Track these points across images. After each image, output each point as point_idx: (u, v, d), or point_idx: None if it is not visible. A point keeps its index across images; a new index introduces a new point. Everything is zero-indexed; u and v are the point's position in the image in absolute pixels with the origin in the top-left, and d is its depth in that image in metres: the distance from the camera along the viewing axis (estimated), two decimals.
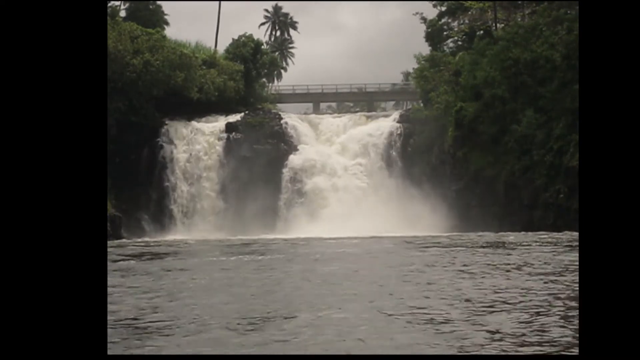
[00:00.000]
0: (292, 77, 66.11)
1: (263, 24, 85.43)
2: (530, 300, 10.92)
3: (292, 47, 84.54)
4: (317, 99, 71.98)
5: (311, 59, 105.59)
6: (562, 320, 9.01)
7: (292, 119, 52.53)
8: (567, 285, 12.55)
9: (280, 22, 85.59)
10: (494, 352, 7.34)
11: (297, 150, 48.71)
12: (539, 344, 7.65)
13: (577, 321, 8.19)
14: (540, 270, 15.65)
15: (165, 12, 61.28)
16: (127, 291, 12.98)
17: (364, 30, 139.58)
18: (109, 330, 8.21)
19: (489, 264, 17.40)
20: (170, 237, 42.71)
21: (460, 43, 60.03)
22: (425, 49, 57.82)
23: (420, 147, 48.16)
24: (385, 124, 50.32)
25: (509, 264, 17.26)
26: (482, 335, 8.14)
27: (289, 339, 8.15)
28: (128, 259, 21.44)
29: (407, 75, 72.66)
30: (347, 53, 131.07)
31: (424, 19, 60.34)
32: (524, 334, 8.17)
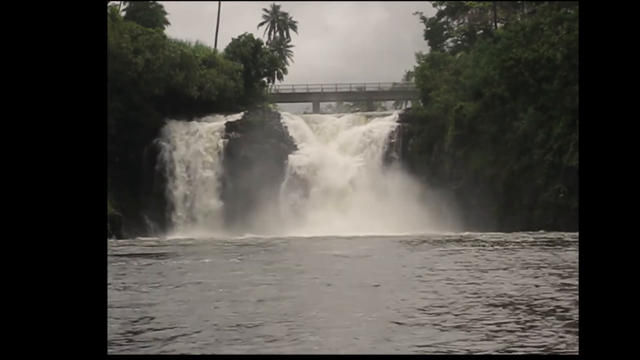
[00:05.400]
0: (289, 76, 66.42)
1: (262, 23, 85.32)
2: (530, 299, 10.93)
3: (290, 47, 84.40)
4: (316, 99, 71.93)
5: (301, 59, 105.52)
6: (562, 320, 9.01)
7: (292, 118, 52.54)
8: (567, 285, 12.55)
9: (280, 21, 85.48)
10: (493, 352, 7.34)
11: (296, 149, 48.70)
12: (539, 343, 7.65)
13: (577, 321, 8.19)
14: (539, 269, 15.66)
15: (164, 12, 61.27)
16: (127, 291, 12.99)
17: (352, 31, 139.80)
18: (109, 330, 8.22)
19: (487, 264, 17.41)
20: (170, 236, 42.72)
21: (460, 42, 60.07)
22: (414, 50, 58.05)
23: (420, 147, 48.15)
24: (385, 124, 50.30)
25: (508, 263, 17.26)
26: (480, 335, 8.13)
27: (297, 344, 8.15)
28: (128, 259, 21.43)
29: (407, 74, 72.62)
30: (336, 54, 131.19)
31: (423, 19, 60.38)
32: (523, 334, 8.17)
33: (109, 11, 46.21)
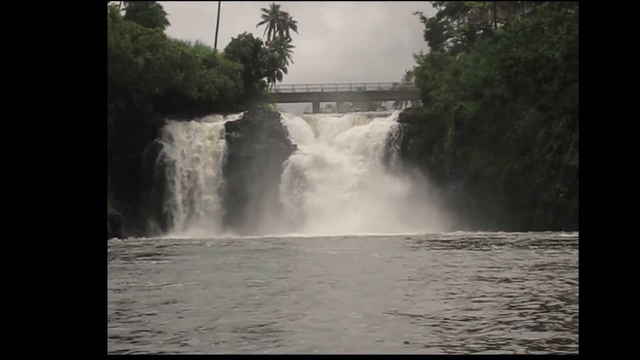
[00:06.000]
0: (289, 76, 66.57)
1: (261, 23, 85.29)
2: (530, 300, 10.93)
3: (290, 47, 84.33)
4: (316, 99, 71.92)
5: (301, 59, 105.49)
6: (562, 320, 9.01)
7: (292, 118, 52.54)
8: (567, 285, 12.55)
9: (279, 21, 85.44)
10: (493, 352, 7.33)
11: (296, 149, 48.71)
12: (539, 343, 7.65)
13: (577, 321, 8.19)
14: (539, 269, 15.66)
15: (164, 12, 61.24)
16: (128, 291, 12.99)
17: (351, 31, 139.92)
18: (109, 330, 8.21)
19: (489, 264, 17.41)
20: (170, 236, 42.72)
21: (460, 42, 60.09)
22: (413, 50, 58.24)
23: (420, 147, 48.16)
24: (385, 124, 50.30)
25: (508, 264, 17.27)
26: (481, 335, 8.13)
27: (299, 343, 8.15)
28: (128, 259, 21.43)
29: (407, 74, 72.64)
30: (335, 54, 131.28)
31: (423, 19, 60.41)
32: (523, 334, 8.17)
33: (109, 11, 46.18)
